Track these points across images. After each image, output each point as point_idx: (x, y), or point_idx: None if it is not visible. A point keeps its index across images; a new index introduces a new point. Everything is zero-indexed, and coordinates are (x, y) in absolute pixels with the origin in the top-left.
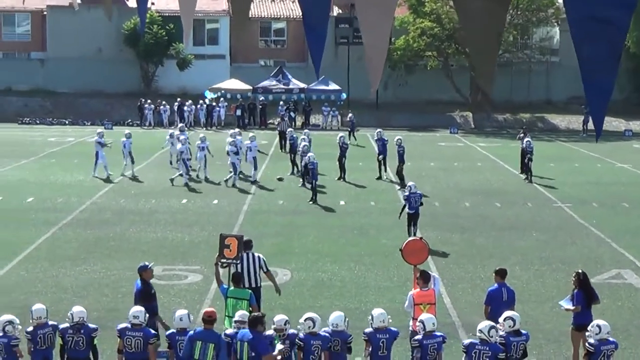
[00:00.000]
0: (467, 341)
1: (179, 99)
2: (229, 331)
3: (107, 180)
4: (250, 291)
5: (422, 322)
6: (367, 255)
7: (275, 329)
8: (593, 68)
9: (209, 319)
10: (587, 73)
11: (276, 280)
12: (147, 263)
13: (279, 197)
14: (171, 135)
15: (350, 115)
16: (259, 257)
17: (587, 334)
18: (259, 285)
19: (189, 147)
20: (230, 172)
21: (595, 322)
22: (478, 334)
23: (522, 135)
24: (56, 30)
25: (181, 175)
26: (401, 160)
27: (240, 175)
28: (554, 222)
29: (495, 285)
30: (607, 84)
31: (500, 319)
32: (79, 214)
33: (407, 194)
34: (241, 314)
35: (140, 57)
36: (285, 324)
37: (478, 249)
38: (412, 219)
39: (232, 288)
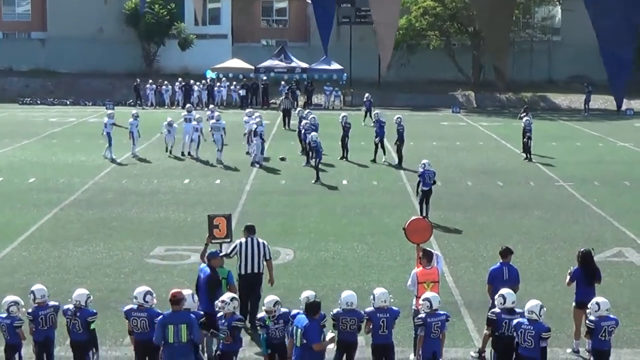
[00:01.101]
0: (515, 321)
1: (180, 79)
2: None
3: (113, 161)
4: (228, 270)
5: (428, 299)
6: (370, 234)
7: (265, 311)
8: (610, 41)
9: (175, 299)
10: (605, 46)
11: (280, 260)
12: (218, 250)
13: (281, 177)
14: (169, 124)
15: (367, 95)
16: (263, 243)
17: (587, 311)
18: (261, 271)
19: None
20: (253, 152)
21: (594, 299)
22: (528, 314)
23: (523, 114)
24: (57, 10)
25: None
26: (401, 140)
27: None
28: (556, 201)
29: (498, 263)
30: (625, 56)
31: (499, 297)
32: (80, 195)
33: (421, 170)
34: (228, 295)
35: (141, 37)
36: (274, 305)
37: (480, 228)
38: (425, 196)
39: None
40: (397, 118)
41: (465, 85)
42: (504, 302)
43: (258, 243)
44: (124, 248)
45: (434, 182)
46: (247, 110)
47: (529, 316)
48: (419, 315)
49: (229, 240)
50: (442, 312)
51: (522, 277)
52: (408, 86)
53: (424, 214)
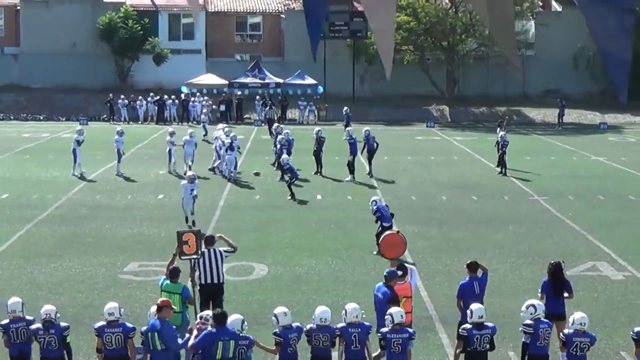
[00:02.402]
0: (528, 321)
1: (152, 94)
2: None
3: (82, 178)
4: (183, 285)
5: (390, 314)
6: (345, 249)
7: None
8: (607, 43)
9: (158, 307)
10: (603, 47)
11: (254, 275)
12: (397, 270)
13: (255, 192)
14: (196, 136)
15: (345, 109)
16: (220, 251)
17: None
18: (222, 281)
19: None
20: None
21: (574, 314)
22: (542, 314)
23: (501, 122)
24: (30, 25)
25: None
26: (369, 152)
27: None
28: (531, 215)
29: (467, 278)
30: (624, 56)
31: (468, 312)
32: (54, 210)
33: (375, 207)
34: (208, 312)
35: (115, 52)
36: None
37: (455, 242)
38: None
39: (167, 282)
40: (365, 131)
41: (440, 100)
42: (471, 317)
43: (217, 253)
44: (98, 264)
45: (392, 215)
46: (226, 129)
47: (538, 315)
48: (381, 330)
49: (199, 257)
50: (408, 330)
51: (497, 292)
52: (382, 101)
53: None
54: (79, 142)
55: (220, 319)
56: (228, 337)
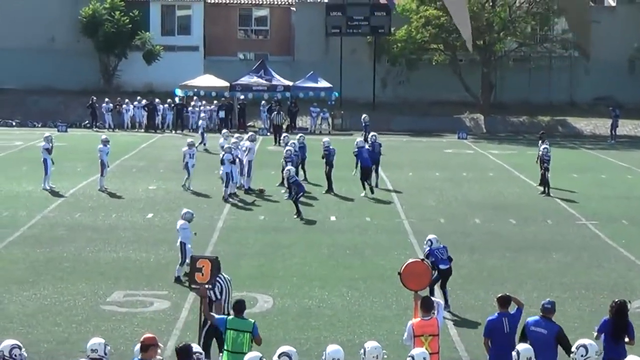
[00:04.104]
0: None
1: (138, 97)
2: None
3: (53, 192)
4: (253, 321)
5: (412, 357)
6: (362, 279)
7: None
8: None
9: (144, 345)
10: None
11: (256, 308)
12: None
13: (259, 212)
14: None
15: (364, 116)
16: (229, 279)
17: None
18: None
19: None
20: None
21: (630, 358)
22: (591, 356)
23: (543, 134)
24: (1, 17)
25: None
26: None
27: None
28: (578, 242)
29: (496, 314)
30: None
31: (514, 353)
32: (27, 230)
33: (427, 249)
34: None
35: (99, 48)
36: None
37: (490, 272)
38: (443, 278)
39: (231, 317)
40: (372, 136)
41: (473, 107)
42: (518, 359)
43: (228, 281)
44: (77, 293)
45: (450, 259)
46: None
47: (590, 358)
48: None
49: (210, 287)
50: None
51: None
52: (407, 107)
53: (444, 302)
54: (49, 151)
55: (183, 354)
56: None
